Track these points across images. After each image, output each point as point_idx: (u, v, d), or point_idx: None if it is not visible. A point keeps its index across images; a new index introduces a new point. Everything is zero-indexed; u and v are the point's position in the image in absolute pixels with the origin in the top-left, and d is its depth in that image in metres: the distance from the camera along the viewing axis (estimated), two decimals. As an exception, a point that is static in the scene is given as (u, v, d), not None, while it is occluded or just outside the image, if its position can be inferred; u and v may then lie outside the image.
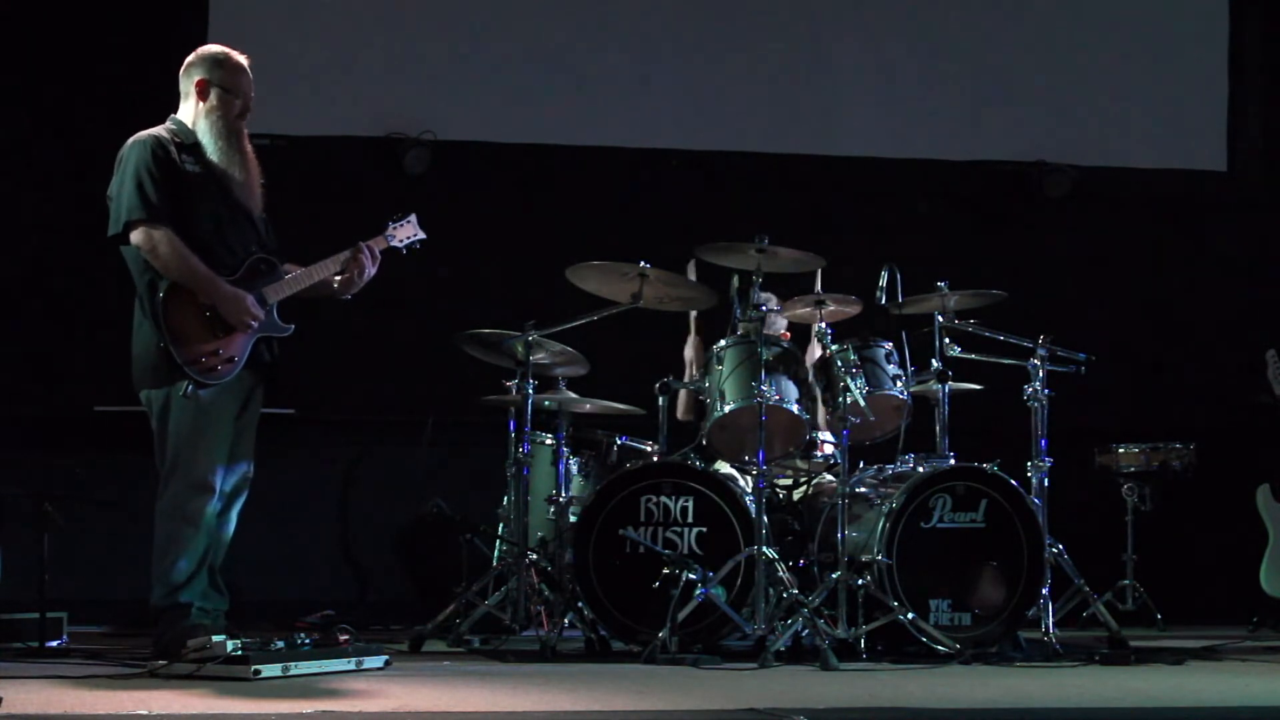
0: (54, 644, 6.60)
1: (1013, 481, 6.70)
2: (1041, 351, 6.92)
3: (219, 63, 6.11)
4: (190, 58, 6.16)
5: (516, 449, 7.04)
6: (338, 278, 6.18)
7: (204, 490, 5.94)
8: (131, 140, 6.03)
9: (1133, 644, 6.85)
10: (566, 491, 7.00)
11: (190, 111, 6.11)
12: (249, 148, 6.14)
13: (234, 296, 5.93)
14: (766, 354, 6.64)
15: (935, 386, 6.92)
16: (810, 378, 6.91)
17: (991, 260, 9.03)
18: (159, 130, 6.07)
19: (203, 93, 6.08)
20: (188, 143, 6.05)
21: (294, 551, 8.46)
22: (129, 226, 5.91)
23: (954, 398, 6.97)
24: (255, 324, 5.96)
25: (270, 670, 5.40)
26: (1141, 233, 9.56)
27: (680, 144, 9.13)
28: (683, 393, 7.39)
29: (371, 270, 6.20)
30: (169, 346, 5.82)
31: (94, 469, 8.00)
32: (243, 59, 6.15)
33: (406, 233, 6.43)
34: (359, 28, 8.87)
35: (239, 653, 5.37)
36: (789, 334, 7.44)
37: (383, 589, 8.57)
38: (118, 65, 8.52)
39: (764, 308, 6.98)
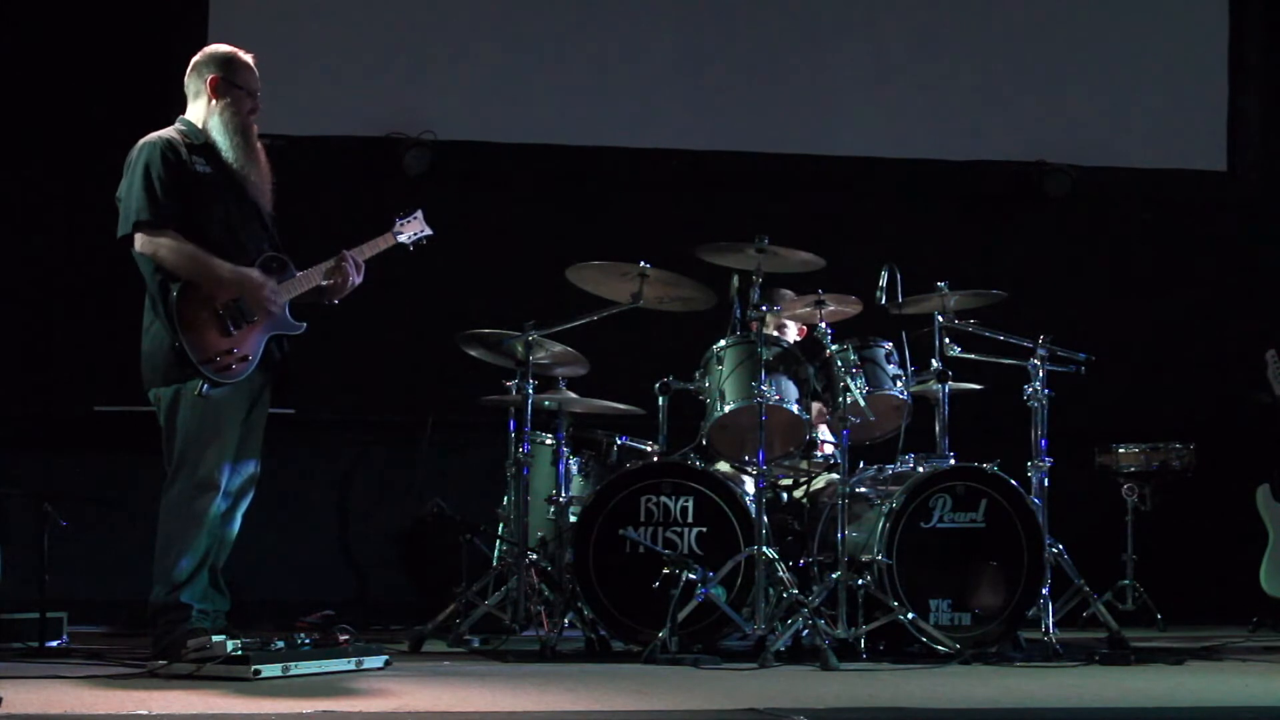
0: (54, 644, 6.60)
1: (1013, 481, 6.70)
2: (1041, 351, 6.92)
3: (229, 60, 6.12)
4: (197, 58, 6.16)
5: (516, 449, 7.04)
6: (324, 283, 6.18)
7: (209, 489, 5.94)
8: (141, 142, 6.02)
9: (1133, 644, 6.85)
10: (566, 491, 7.00)
11: (201, 111, 6.10)
12: (259, 145, 6.15)
13: (248, 280, 5.92)
14: (766, 354, 6.65)
15: (935, 386, 6.92)
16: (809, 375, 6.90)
17: (991, 260, 9.04)
18: (169, 132, 6.06)
19: (216, 90, 6.07)
20: (198, 143, 6.05)
21: (294, 551, 8.46)
22: (135, 229, 5.91)
23: (954, 398, 6.97)
24: (274, 303, 5.96)
25: (270, 670, 5.40)
26: (1141, 233, 9.56)
27: (680, 144, 9.13)
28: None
29: (356, 279, 6.18)
30: (184, 346, 5.82)
31: (94, 469, 8.00)
32: (249, 57, 6.16)
33: (413, 228, 6.44)
34: (358, 28, 8.87)
35: (239, 653, 5.37)
36: (806, 329, 7.43)
37: (383, 589, 8.57)
38: (118, 65, 8.52)
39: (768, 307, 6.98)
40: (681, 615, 6.30)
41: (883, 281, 6.94)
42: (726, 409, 6.75)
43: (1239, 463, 8.48)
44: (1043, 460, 6.89)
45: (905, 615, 6.43)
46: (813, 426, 6.91)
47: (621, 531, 6.59)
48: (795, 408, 6.74)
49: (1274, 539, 8.12)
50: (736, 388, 6.75)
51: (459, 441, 8.46)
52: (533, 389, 6.93)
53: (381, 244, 6.34)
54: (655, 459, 6.92)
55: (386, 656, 5.90)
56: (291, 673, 5.48)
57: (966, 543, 6.64)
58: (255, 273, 5.97)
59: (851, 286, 6.95)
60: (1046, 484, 6.89)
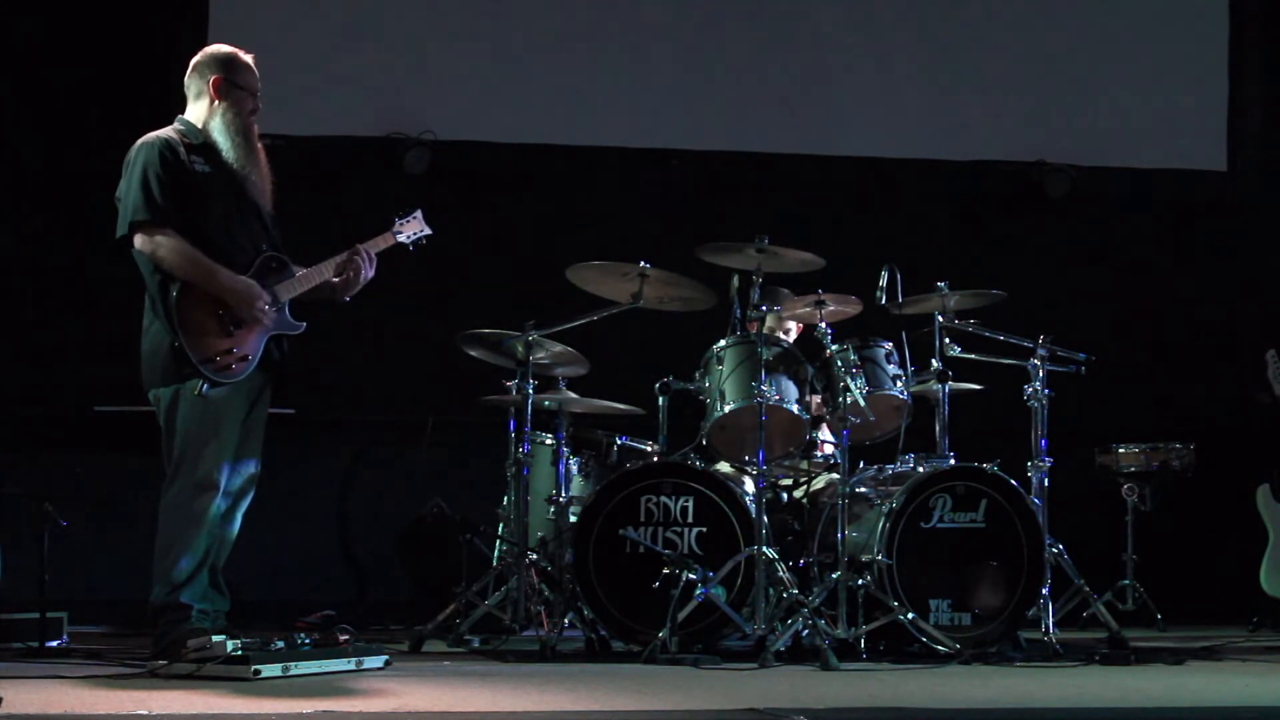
0: (54, 644, 6.60)
1: (1013, 481, 6.71)
2: (1041, 351, 6.93)
3: (230, 61, 6.12)
4: (198, 58, 6.16)
5: (516, 449, 7.04)
6: (335, 279, 6.19)
7: (208, 489, 5.94)
8: (139, 142, 6.02)
9: (1133, 644, 6.85)
10: (566, 491, 7.00)
11: (202, 111, 6.10)
12: (260, 145, 6.15)
13: (244, 290, 5.92)
14: (766, 354, 6.65)
15: (935, 386, 6.92)
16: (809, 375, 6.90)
17: (991, 260, 9.03)
18: (167, 132, 6.06)
19: (218, 91, 6.07)
20: (197, 143, 6.05)
21: (294, 551, 8.47)
22: (134, 229, 5.91)
23: (954, 398, 6.97)
24: (266, 316, 5.96)
25: (270, 670, 5.40)
26: (1141, 233, 9.56)
27: (680, 144, 9.13)
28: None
29: (369, 273, 6.20)
30: (184, 346, 5.82)
31: (94, 469, 8.00)
32: (249, 57, 6.16)
33: (413, 228, 6.44)
34: (359, 28, 8.87)
35: (239, 653, 5.38)
36: (802, 326, 7.43)
37: (383, 589, 8.57)
38: (118, 65, 8.52)
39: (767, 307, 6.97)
40: (681, 615, 6.30)
41: (883, 281, 6.94)
42: (726, 409, 6.75)
43: (1239, 463, 8.48)
44: (1043, 460, 6.89)
45: (905, 615, 6.43)
46: (813, 425, 6.91)
47: (621, 531, 6.59)
48: (795, 408, 6.75)
49: (1274, 539, 8.12)
50: (736, 388, 6.75)
51: (459, 441, 8.46)
52: (533, 389, 6.93)
53: (381, 243, 6.35)
54: (655, 459, 6.93)
55: (386, 656, 5.90)
56: (291, 673, 5.48)
57: (966, 543, 6.64)
58: (252, 285, 5.94)
59: (851, 286, 6.96)
60: (1046, 484, 6.89)
